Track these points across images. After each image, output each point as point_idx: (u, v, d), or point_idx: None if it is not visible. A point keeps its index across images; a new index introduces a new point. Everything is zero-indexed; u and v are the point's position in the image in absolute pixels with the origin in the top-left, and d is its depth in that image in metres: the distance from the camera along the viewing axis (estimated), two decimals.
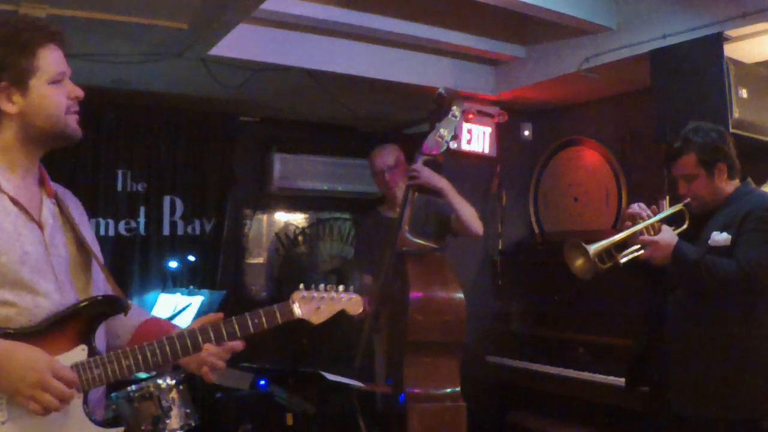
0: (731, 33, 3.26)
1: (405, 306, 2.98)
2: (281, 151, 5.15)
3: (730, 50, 3.31)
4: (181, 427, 3.42)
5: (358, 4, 3.58)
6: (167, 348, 1.56)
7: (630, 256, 2.42)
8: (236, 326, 1.63)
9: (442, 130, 3.07)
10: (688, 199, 2.53)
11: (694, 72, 3.33)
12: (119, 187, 4.59)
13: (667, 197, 4.01)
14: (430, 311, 2.98)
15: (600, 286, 3.55)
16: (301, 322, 1.69)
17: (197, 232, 4.84)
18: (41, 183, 1.61)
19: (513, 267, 4.76)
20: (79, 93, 1.59)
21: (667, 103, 3.47)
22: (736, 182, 2.54)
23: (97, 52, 3.60)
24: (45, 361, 1.40)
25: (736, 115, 3.24)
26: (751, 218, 2.37)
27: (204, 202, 4.88)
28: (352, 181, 5.28)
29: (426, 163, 3.14)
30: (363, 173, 3.78)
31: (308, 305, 1.70)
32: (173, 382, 3.49)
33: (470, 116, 4.62)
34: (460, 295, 3.04)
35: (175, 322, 3.84)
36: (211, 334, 1.61)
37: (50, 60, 1.53)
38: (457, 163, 4.76)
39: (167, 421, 3.36)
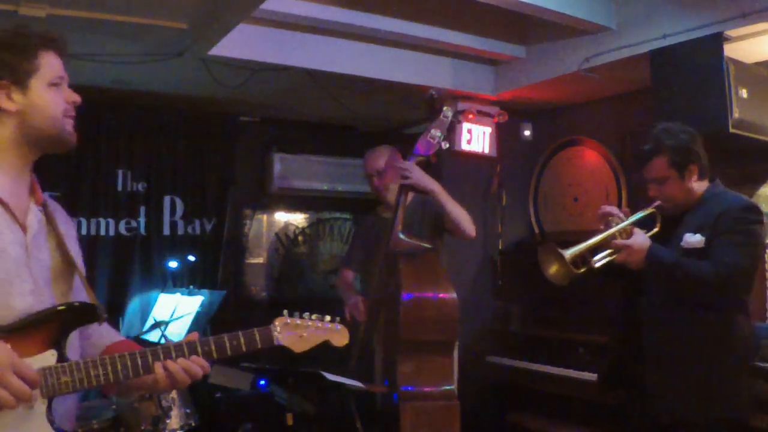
0: (731, 33, 3.26)
1: (398, 306, 3.01)
2: (281, 151, 5.15)
3: (730, 50, 3.31)
4: (181, 427, 3.42)
5: (358, 4, 3.58)
6: (138, 361, 1.52)
7: (604, 261, 2.40)
8: (212, 346, 1.59)
9: (433, 131, 3.09)
10: (659, 202, 2.51)
11: (694, 72, 3.33)
12: (119, 187, 4.60)
13: None
14: (421, 311, 3.01)
15: (600, 286, 3.56)
16: (282, 350, 1.64)
17: (197, 232, 4.85)
18: (32, 191, 1.60)
19: (513, 267, 4.76)
20: (77, 98, 1.60)
21: (667, 103, 3.46)
22: (706, 183, 2.52)
23: (97, 52, 3.61)
24: (7, 356, 1.36)
25: (736, 115, 3.24)
26: (725, 219, 2.35)
27: (204, 202, 4.88)
28: (352, 181, 5.28)
29: (418, 164, 3.15)
30: (363, 173, 3.80)
31: (291, 333, 1.66)
32: None
33: (470, 116, 4.62)
34: (452, 295, 3.06)
35: (172, 325, 3.87)
36: (186, 351, 1.57)
37: (50, 63, 1.56)
38: (457, 163, 4.77)
39: (167, 421, 3.36)
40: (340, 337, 1.72)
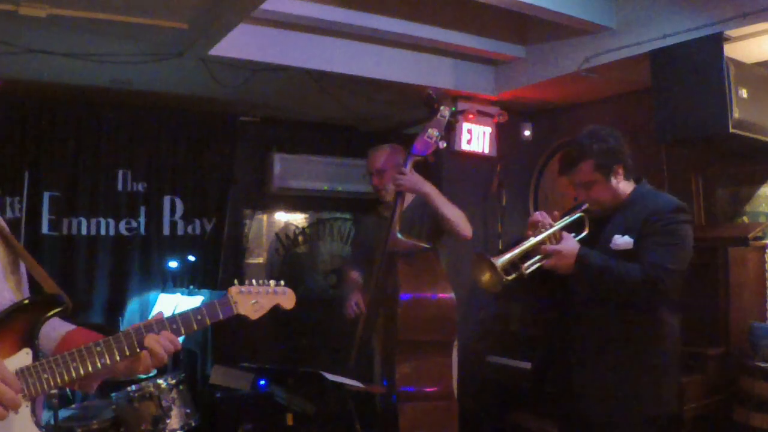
0: (731, 33, 3.26)
1: (396, 306, 3.02)
2: (281, 151, 5.16)
3: (730, 50, 3.31)
4: (181, 427, 3.43)
5: (358, 4, 3.58)
6: (114, 347, 1.49)
7: (534, 266, 2.39)
8: (180, 323, 1.60)
9: (430, 131, 3.09)
10: (587, 205, 2.49)
11: (694, 72, 3.33)
12: (119, 187, 4.60)
13: None
14: (419, 311, 3.02)
15: None
16: (239, 318, 1.68)
17: (197, 232, 4.85)
18: None
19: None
20: None
21: (667, 103, 3.46)
22: (632, 183, 2.51)
23: (97, 52, 3.61)
24: None
25: (736, 115, 3.23)
26: (653, 221, 2.35)
27: (204, 202, 4.88)
28: (352, 181, 5.29)
29: (416, 164, 3.15)
30: (363, 173, 3.81)
31: (246, 300, 1.69)
32: (173, 382, 3.49)
33: (470, 116, 4.62)
34: (450, 294, 3.07)
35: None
36: (155, 329, 1.56)
37: None
38: (457, 163, 4.77)
39: (167, 421, 3.36)
40: (288, 299, 1.76)
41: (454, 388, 3.11)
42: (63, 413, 3.38)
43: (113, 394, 3.45)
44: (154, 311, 4.27)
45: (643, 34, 3.62)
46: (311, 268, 5.51)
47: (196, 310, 1.62)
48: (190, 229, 4.83)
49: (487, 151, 4.77)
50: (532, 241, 2.40)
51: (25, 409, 1.38)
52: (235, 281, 1.71)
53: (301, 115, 5.25)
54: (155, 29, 3.30)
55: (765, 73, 3.52)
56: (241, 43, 3.61)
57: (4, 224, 1.55)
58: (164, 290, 4.54)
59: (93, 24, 3.17)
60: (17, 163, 4.21)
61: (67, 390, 3.32)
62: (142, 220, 4.66)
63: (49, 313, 1.49)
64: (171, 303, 4.18)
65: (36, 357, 1.43)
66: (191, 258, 4.61)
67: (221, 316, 1.64)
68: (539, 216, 2.47)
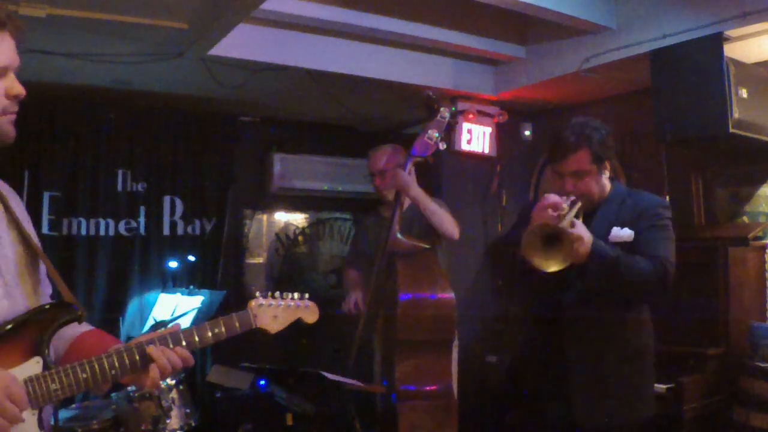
0: (731, 33, 3.26)
1: (396, 306, 3.03)
2: (281, 151, 5.16)
3: (730, 50, 3.31)
4: (181, 427, 3.43)
5: (358, 4, 3.58)
6: (126, 359, 1.43)
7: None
8: (195, 335, 1.54)
9: (430, 132, 3.11)
10: (574, 197, 2.36)
11: (694, 72, 3.33)
12: (119, 187, 4.59)
13: (667, 197, 4.01)
14: (419, 311, 3.03)
15: None
16: (260, 331, 1.65)
17: (197, 232, 4.85)
18: None
19: (513, 266, 4.74)
20: (20, 91, 1.40)
21: (667, 103, 3.46)
22: (608, 181, 2.46)
23: (97, 52, 3.61)
24: (2, 380, 1.27)
25: (736, 115, 3.23)
26: (649, 215, 2.33)
27: (204, 202, 4.88)
28: (352, 181, 5.28)
29: (416, 165, 3.17)
30: (363, 173, 3.80)
31: (265, 314, 1.66)
32: (173, 382, 3.49)
33: (470, 116, 4.62)
34: (450, 294, 3.08)
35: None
36: (170, 342, 1.50)
37: None
38: (457, 163, 4.77)
39: (167, 421, 3.36)
40: (310, 313, 1.74)
41: (454, 388, 3.11)
42: (63, 413, 3.38)
43: (113, 394, 3.45)
44: (154, 311, 4.27)
45: (643, 34, 3.61)
46: (311, 268, 5.51)
47: (213, 323, 1.57)
48: (190, 229, 4.83)
49: (487, 151, 4.77)
50: (565, 220, 2.19)
51: (31, 417, 1.35)
52: (257, 293, 1.67)
53: (301, 115, 5.25)
54: (155, 29, 3.30)
55: (765, 73, 3.52)
56: (241, 43, 3.61)
57: (23, 224, 1.48)
58: (164, 290, 4.54)
59: (93, 24, 3.17)
60: (17, 163, 4.20)
61: None
62: (141, 220, 4.65)
63: (60, 322, 1.44)
64: (171, 303, 4.18)
65: (46, 366, 1.38)
66: (191, 258, 4.61)
67: (239, 330, 1.60)
68: (558, 198, 2.31)
